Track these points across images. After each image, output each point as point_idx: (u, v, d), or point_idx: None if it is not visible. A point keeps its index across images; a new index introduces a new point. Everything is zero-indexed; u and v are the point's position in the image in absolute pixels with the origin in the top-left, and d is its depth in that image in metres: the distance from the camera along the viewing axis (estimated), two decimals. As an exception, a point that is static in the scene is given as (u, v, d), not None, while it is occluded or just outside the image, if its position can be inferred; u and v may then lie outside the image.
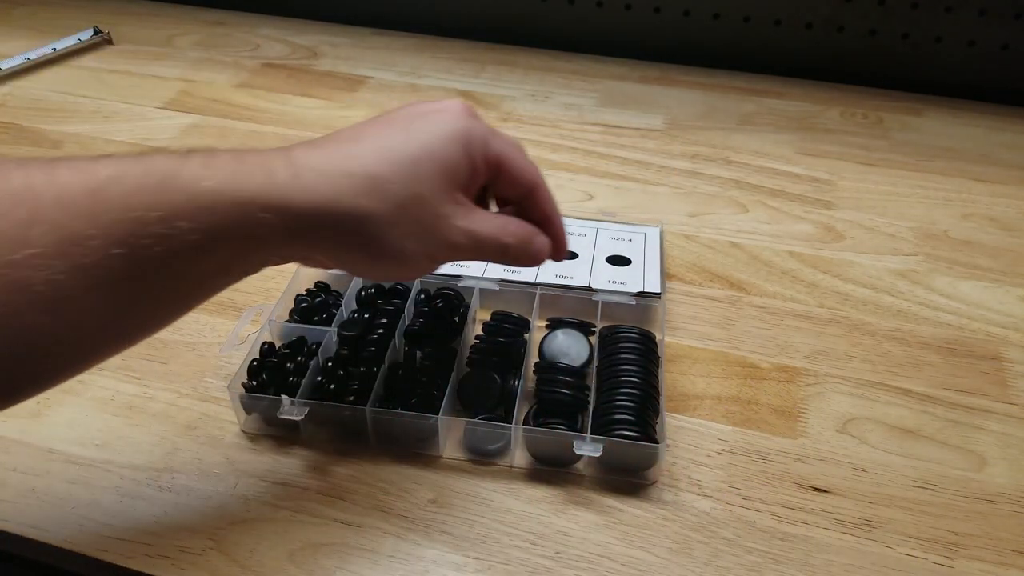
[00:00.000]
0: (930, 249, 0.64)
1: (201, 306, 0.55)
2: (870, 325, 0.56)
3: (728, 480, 0.45)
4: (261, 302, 0.52)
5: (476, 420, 0.45)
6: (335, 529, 0.41)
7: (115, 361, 0.51)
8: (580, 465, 0.45)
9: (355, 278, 0.54)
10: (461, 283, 0.55)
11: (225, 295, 0.56)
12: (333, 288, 0.56)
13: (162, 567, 0.39)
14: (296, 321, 0.53)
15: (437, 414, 0.44)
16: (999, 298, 0.59)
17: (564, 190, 0.70)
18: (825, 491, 0.44)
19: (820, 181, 0.72)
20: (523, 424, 0.45)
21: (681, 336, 0.55)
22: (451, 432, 0.46)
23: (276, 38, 0.98)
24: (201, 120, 0.80)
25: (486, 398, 0.47)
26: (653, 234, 0.62)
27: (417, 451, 0.46)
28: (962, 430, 0.48)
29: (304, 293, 0.55)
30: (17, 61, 0.88)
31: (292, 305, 0.54)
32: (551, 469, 0.45)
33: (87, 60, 0.91)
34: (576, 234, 0.61)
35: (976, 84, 0.86)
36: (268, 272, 0.62)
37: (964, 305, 0.58)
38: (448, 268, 0.56)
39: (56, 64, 0.90)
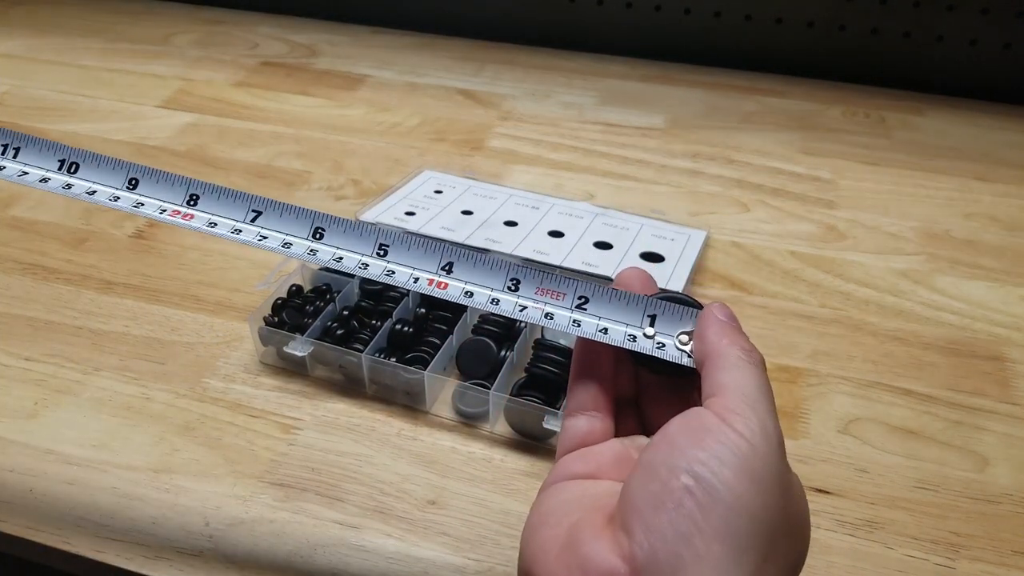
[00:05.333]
0: (932, 249, 0.63)
1: (200, 306, 0.56)
2: (872, 325, 0.55)
3: (729, 481, 0.44)
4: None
5: (462, 383, 0.48)
6: (334, 530, 0.41)
7: (113, 361, 0.51)
8: (553, 441, 0.45)
9: None
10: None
11: (224, 296, 0.56)
12: None
13: (160, 568, 0.39)
14: (327, 270, 0.56)
15: (426, 370, 0.47)
16: (1001, 298, 0.58)
17: (564, 189, 0.70)
18: (827, 492, 0.44)
19: (822, 180, 0.72)
20: (508, 394, 0.47)
21: (682, 336, 0.54)
22: (440, 391, 0.49)
23: (275, 36, 0.98)
24: (199, 119, 0.79)
25: (480, 365, 0.49)
26: (697, 237, 0.61)
27: (407, 404, 0.48)
28: (964, 431, 0.48)
29: None
30: None
31: None
32: (532, 443, 0.46)
33: (86, 59, 0.91)
34: (619, 227, 0.62)
35: (978, 83, 0.86)
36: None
37: (966, 305, 0.58)
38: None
39: (56, 63, 0.90)
